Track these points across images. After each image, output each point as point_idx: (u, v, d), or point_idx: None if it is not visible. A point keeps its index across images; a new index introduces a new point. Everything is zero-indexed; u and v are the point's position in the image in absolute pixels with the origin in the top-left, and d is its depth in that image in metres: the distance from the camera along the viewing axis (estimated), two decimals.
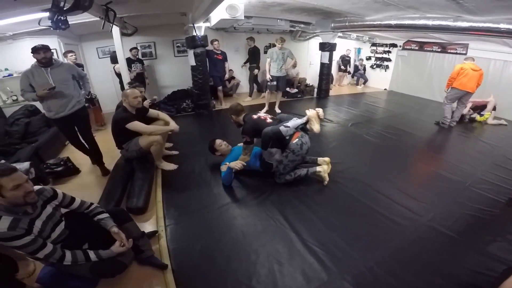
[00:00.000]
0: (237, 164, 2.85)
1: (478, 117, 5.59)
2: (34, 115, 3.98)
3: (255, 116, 2.97)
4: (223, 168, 2.98)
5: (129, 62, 5.32)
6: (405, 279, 1.83)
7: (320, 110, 2.74)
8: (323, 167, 2.91)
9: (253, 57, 6.99)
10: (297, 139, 2.73)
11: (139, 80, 5.32)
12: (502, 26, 3.50)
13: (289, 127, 2.71)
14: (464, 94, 5.07)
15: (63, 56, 4.34)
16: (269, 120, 2.92)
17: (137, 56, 5.55)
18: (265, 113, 3.16)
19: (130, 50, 5.42)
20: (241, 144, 3.09)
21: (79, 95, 3.02)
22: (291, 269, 1.91)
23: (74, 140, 3.25)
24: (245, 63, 7.41)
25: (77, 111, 2.94)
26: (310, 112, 2.77)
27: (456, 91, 5.07)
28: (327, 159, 3.07)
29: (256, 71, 6.99)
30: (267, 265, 1.94)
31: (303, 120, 2.81)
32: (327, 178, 2.91)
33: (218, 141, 3.25)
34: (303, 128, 2.84)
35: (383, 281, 1.82)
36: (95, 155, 3.36)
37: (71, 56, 4.25)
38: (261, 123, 2.86)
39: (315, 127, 2.75)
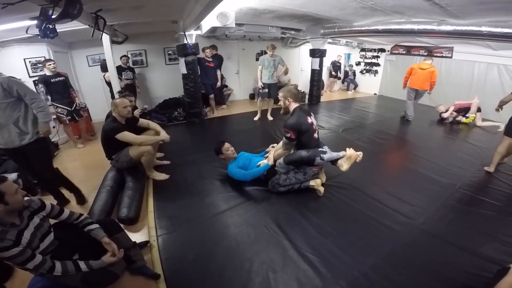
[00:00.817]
0: (270, 160, 2.91)
1: (463, 119, 5.71)
2: None
3: (309, 120, 2.72)
4: (263, 162, 2.94)
5: (120, 70, 5.28)
6: (399, 283, 1.83)
7: (360, 154, 2.64)
8: (316, 181, 2.84)
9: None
10: (316, 169, 2.77)
11: (130, 88, 5.32)
12: (484, 29, 3.61)
13: (324, 160, 2.66)
14: (416, 92, 5.70)
15: (42, 66, 4.11)
16: (315, 136, 2.81)
17: (127, 64, 5.52)
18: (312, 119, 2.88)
19: (120, 58, 5.39)
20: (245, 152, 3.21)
21: (25, 125, 2.26)
22: (285, 277, 1.89)
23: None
24: None
25: (26, 145, 2.30)
26: (350, 153, 2.65)
27: (409, 89, 5.77)
28: (323, 178, 3.05)
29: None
30: (261, 273, 1.91)
31: (339, 155, 2.71)
32: (322, 190, 2.86)
33: (227, 145, 3.17)
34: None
35: (378, 286, 1.81)
36: (70, 190, 2.80)
37: (50, 65, 3.99)
38: (308, 130, 2.70)
39: (345, 167, 2.66)
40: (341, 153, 2.71)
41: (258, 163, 2.99)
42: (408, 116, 5.96)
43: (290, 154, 2.82)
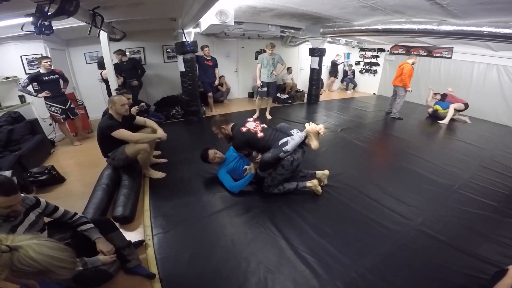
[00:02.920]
0: (252, 169, 2.86)
1: (440, 109, 6.03)
2: (17, 122, 3.85)
3: (244, 129, 2.74)
4: (248, 170, 2.90)
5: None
6: (397, 284, 1.82)
7: (321, 127, 2.55)
8: (313, 182, 2.78)
9: None
10: (290, 156, 2.59)
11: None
12: (485, 29, 3.59)
13: (288, 151, 2.51)
14: (394, 88, 6.11)
15: (38, 63, 4.04)
16: (260, 134, 2.70)
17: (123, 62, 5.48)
18: (254, 119, 2.93)
19: (114, 52, 5.34)
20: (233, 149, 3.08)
21: None
22: (282, 277, 1.87)
23: None
24: None
25: None
26: (310, 127, 2.54)
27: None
28: (326, 172, 3.00)
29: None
30: (258, 273, 1.90)
31: (302, 136, 2.61)
32: (320, 190, 2.82)
33: (211, 153, 3.02)
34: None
35: (375, 287, 1.80)
36: None
37: (46, 62, 3.94)
38: (252, 138, 2.70)
39: (314, 143, 2.56)
40: (303, 134, 2.61)
41: (245, 167, 2.95)
42: (394, 113, 6.15)
43: (260, 162, 2.69)
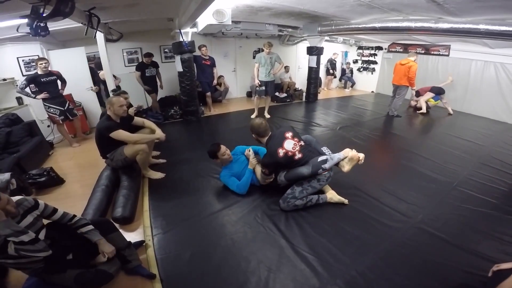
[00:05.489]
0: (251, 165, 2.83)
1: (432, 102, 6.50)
2: (15, 124, 3.84)
3: (281, 153, 2.47)
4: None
5: (143, 67, 5.39)
6: (397, 282, 1.83)
7: (362, 156, 2.45)
8: (332, 193, 2.70)
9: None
10: (327, 172, 2.54)
11: (152, 84, 5.57)
12: (481, 27, 3.59)
13: (326, 169, 2.46)
14: (395, 87, 5.98)
15: (35, 64, 4.00)
16: (298, 156, 2.51)
17: (150, 61, 5.53)
18: (292, 136, 2.58)
19: (145, 55, 5.47)
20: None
21: None
22: (282, 276, 1.87)
23: None
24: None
25: None
26: (352, 153, 2.46)
27: (392, 85, 6.08)
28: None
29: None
30: (258, 272, 1.90)
31: (340, 158, 2.50)
32: (343, 199, 2.69)
33: (223, 149, 2.83)
34: None
35: (375, 286, 1.80)
36: None
37: (42, 64, 3.89)
38: (287, 161, 2.52)
39: (347, 168, 2.48)
40: (342, 155, 2.51)
41: (246, 152, 2.93)
42: (392, 111, 6.17)
43: (290, 172, 2.59)
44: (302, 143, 2.62)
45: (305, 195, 2.56)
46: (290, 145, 2.52)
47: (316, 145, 2.78)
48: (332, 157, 2.52)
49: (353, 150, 2.51)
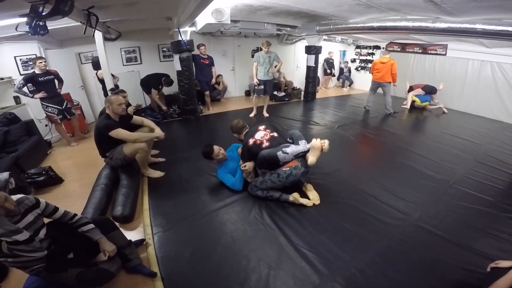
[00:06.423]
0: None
1: (418, 101, 6.56)
2: (13, 123, 3.82)
3: (250, 142, 2.74)
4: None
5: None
6: (396, 279, 1.85)
7: (326, 143, 2.44)
8: (293, 195, 2.61)
9: None
10: (288, 168, 2.51)
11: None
12: (478, 26, 3.62)
13: (287, 153, 2.48)
14: (379, 85, 6.18)
15: (33, 63, 3.98)
16: (265, 144, 2.68)
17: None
18: (265, 128, 2.88)
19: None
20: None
21: None
22: (282, 273, 1.89)
23: None
24: None
25: None
26: (315, 142, 2.43)
27: (373, 82, 6.33)
28: (311, 191, 2.79)
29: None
30: (258, 270, 1.91)
31: (305, 148, 2.52)
32: (306, 202, 2.63)
33: (216, 149, 2.91)
34: (304, 156, 2.56)
35: (375, 282, 1.82)
36: None
37: (40, 63, 3.89)
38: (256, 149, 2.68)
39: (311, 158, 2.44)
40: (307, 146, 2.50)
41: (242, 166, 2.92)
42: (367, 105, 6.56)
43: (258, 158, 2.66)
44: (274, 134, 2.82)
45: (265, 187, 2.68)
46: (260, 135, 2.81)
47: (297, 138, 2.76)
48: (297, 146, 2.60)
49: (318, 139, 2.45)
